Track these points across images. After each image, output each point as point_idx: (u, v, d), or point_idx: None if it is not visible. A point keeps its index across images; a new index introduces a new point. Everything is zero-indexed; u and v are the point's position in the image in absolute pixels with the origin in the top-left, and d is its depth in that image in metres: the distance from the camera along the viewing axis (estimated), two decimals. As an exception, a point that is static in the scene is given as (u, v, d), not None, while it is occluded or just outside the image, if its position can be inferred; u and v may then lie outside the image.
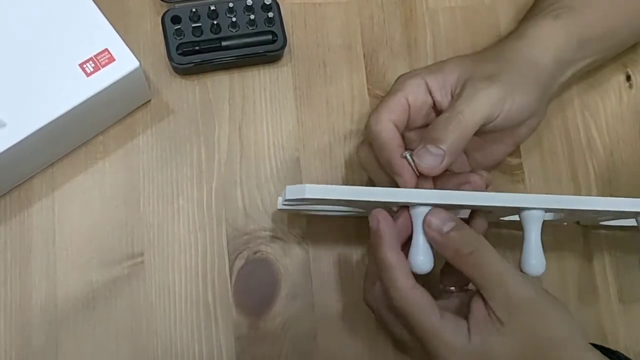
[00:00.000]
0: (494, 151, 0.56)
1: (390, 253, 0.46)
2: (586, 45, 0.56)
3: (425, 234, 0.46)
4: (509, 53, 0.53)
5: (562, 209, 0.49)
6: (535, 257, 0.47)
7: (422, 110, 0.52)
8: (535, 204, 0.47)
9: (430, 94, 0.52)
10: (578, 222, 0.60)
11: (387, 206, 0.48)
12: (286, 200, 0.46)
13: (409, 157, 0.48)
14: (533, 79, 0.52)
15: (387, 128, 0.50)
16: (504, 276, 0.45)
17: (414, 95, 0.51)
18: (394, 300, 0.45)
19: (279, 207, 0.51)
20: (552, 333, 0.45)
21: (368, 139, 0.52)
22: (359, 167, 0.59)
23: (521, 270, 0.48)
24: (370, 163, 0.53)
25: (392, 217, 0.48)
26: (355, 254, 0.57)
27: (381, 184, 0.52)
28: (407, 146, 0.51)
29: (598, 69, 0.64)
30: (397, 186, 0.49)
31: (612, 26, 0.57)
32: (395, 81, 0.53)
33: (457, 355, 0.44)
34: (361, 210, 0.54)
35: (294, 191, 0.45)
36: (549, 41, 0.54)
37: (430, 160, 0.47)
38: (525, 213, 0.48)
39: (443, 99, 0.51)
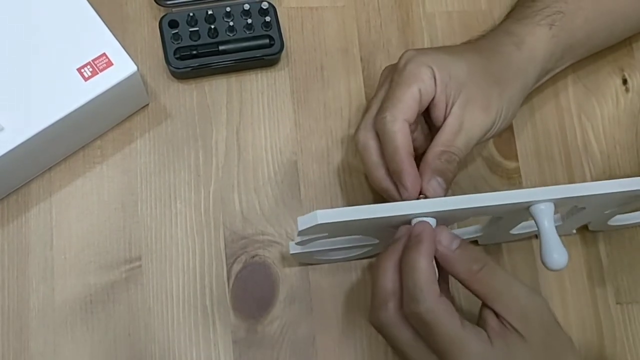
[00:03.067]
0: None
1: (427, 259, 0.44)
2: (568, 53, 0.58)
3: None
4: (508, 64, 0.54)
5: (569, 198, 0.48)
6: (557, 251, 0.46)
7: (425, 105, 0.52)
8: (545, 196, 0.46)
9: (435, 87, 0.51)
10: (587, 228, 0.60)
11: (393, 222, 0.48)
12: (299, 231, 0.45)
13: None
14: (521, 93, 0.55)
15: (403, 130, 0.50)
16: (514, 288, 0.45)
17: (425, 89, 0.51)
18: (422, 308, 0.43)
19: (291, 252, 0.51)
20: (564, 339, 0.46)
21: (378, 132, 0.51)
22: (357, 171, 0.59)
23: (544, 265, 0.47)
24: (372, 154, 0.52)
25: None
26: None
27: (374, 176, 0.52)
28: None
29: (595, 72, 0.64)
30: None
31: (594, 29, 0.59)
32: (405, 64, 0.51)
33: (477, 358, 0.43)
34: (371, 244, 0.53)
35: (305, 220, 0.44)
36: (540, 53, 0.55)
37: (440, 191, 0.50)
38: (535, 208, 0.47)
39: (440, 97, 0.51)
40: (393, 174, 0.50)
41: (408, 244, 0.46)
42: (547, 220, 0.47)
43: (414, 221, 0.46)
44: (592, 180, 0.61)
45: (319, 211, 0.43)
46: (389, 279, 0.46)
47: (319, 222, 0.43)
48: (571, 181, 0.61)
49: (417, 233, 0.45)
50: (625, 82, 0.64)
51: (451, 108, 0.51)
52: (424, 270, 0.44)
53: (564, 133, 0.62)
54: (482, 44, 0.56)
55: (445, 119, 0.51)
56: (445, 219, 0.48)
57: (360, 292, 0.57)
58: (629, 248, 0.60)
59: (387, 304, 0.46)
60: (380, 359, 0.55)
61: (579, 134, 0.62)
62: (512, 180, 0.60)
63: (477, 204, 0.46)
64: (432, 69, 0.51)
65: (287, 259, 0.56)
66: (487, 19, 0.64)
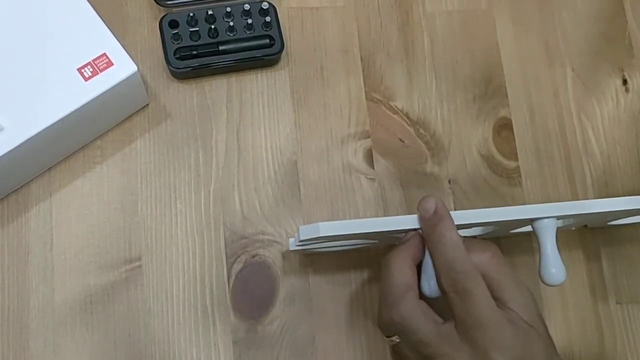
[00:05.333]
0: None
1: (456, 233, 0.46)
2: None
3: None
4: None
5: (575, 215, 0.49)
6: (555, 266, 0.48)
7: None
8: (548, 213, 0.47)
9: None
10: (586, 226, 0.60)
11: (399, 234, 0.49)
12: (300, 241, 0.46)
13: None
14: None
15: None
16: (519, 281, 0.47)
17: None
18: (462, 276, 0.44)
19: (291, 249, 0.52)
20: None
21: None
22: (357, 171, 0.59)
23: (542, 280, 0.49)
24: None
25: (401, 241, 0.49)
26: (353, 257, 0.57)
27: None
28: None
29: (594, 72, 0.64)
30: None
31: None
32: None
33: (508, 338, 0.44)
34: (374, 241, 0.54)
35: (307, 231, 0.45)
36: None
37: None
38: (538, 223, 0.48)
39: None
40: None
41: (429, 222, 0.47)
42: (549, 235, 0.48)
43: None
44: (592, 181, 0.61)
45: (321, 223, 0.45)
46: (405, 274, 0.47)
47: (321, 235, 0.44)
48: (571, 181, 0.61)
49: (433, 210, 0.47)
50: (625, 82, 0.65)
51: None
52: (458, 243, 0.45)
53: (564, 133, 0.62)
54: None
55: None
56: None
57: (360, 291, 0.57)
58: (628, 248, 0.60)
59: (406, 295, 0.47)
60: (380, 358, 0.56)
61: (579, 134, 0.63)
62: (512, 180, 0.61)
63: (482, 219, 0.47)
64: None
65: (287, 259, 0.56)
66: (487, 19, 0.64)
